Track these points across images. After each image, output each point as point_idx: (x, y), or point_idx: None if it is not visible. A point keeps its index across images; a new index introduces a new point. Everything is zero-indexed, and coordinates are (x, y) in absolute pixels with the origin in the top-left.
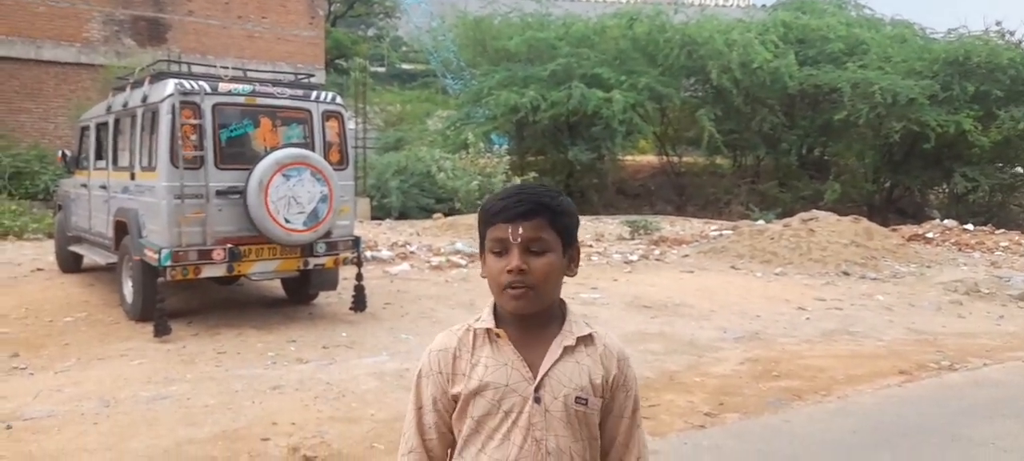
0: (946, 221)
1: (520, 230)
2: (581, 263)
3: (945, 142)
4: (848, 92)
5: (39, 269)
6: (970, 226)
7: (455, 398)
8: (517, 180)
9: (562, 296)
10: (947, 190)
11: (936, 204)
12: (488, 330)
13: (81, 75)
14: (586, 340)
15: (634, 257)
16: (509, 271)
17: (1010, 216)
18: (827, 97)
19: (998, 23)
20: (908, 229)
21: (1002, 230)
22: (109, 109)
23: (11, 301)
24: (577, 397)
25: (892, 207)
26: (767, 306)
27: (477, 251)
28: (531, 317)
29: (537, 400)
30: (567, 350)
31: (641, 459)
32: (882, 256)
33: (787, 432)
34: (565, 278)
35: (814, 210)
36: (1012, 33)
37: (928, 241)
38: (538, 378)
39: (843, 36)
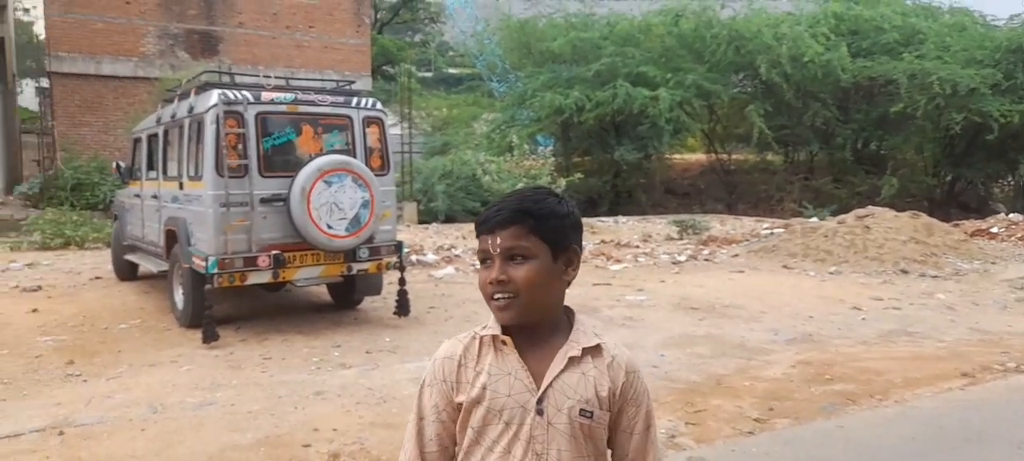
0: (1012, 215)
1: (498, 240)
2: (626, 264)
3: (1009, 133)
4: (905, 84)
5: (98, 278)
6: None
7: (460, 407)
8: (562, 182)
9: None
10: (1012, 182)
11: (1001, 197)
12: (494, 337)
13: (138, 88)
14: (593, 351)
15: (682, 257)
16: (490, 283)
17: None
18: (883, 89)
19: None
20: (971, 224)
21: None
22: (159, 120)
23: (70, 309)
24: (582, 410)
25: (954, 201)
26: (820, 307)
27: None
28: (534, 326)
29: (539, 412)
30: (572, 361)
31: None
32: (943, 253)
33: (841, 438)
34: (570, 283)
35: (870, 206)
36: None
37: (993, 236)
38: (541, 390)
39: (898, 26)
